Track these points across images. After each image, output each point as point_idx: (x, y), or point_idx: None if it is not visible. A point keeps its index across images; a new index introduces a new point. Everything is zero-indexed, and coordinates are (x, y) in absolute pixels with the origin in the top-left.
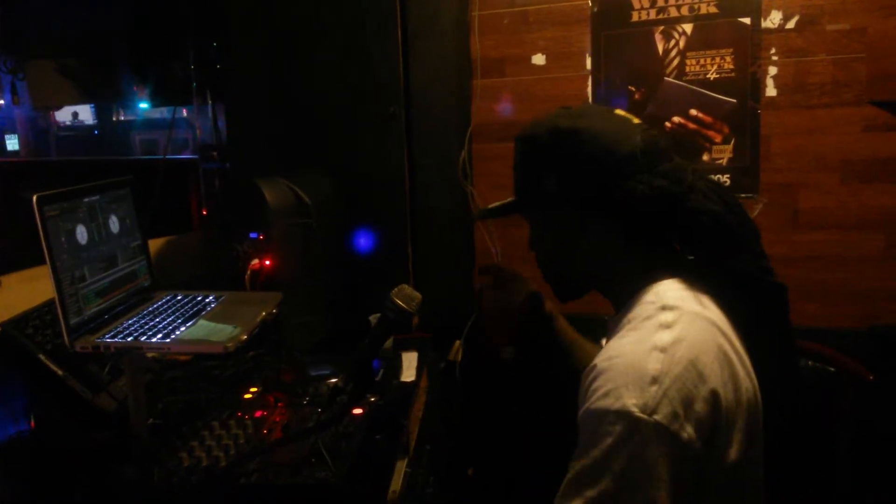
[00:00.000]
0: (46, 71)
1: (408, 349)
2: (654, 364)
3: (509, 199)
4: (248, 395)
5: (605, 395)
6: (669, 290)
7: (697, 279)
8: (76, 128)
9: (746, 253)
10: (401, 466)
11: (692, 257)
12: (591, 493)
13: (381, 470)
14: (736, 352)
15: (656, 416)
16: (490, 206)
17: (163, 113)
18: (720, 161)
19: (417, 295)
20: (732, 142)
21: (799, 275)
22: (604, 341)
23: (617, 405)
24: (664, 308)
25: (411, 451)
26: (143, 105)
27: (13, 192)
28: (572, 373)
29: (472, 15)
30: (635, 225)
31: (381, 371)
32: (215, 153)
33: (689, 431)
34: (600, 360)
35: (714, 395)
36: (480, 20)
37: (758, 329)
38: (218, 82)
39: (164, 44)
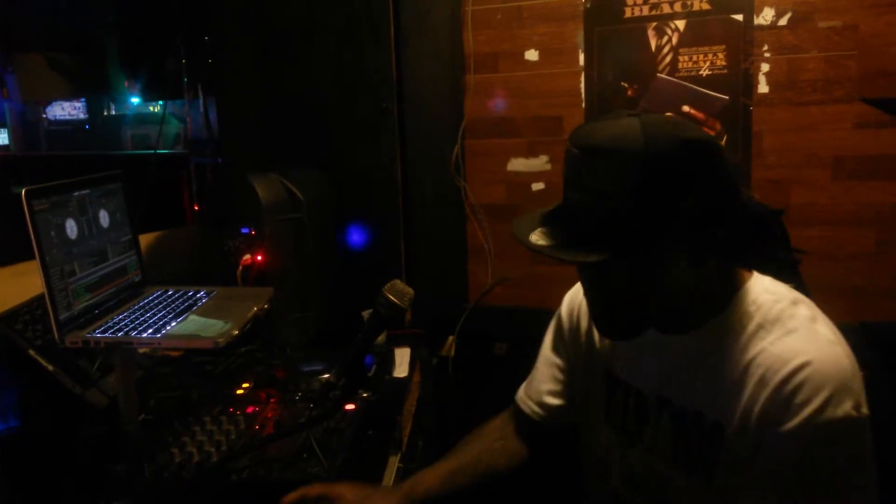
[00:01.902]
0: (36, 64)
1: (400, 345)
2: (843, 360)
3: (595, 254)
4: (239, 391)
5: (825, 404)
6: (769, 284)
7: (756, 267)
8: (67, 122)
9: (784, 242)
10: (393, 462)
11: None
12: (857, 497)
13: (373, 465)
14: None
15: (863, 410)
16: (569, 257)
17: (155, 107)
18: None
19: (409, 290)
20: (724, 138)
21: None
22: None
23: (840, 413)
24: (794, 302)
25: (404, 446)
26: (135, 100)
27: (3, 187)
28: None
29: (465, 10)
30: (741, 241)
31: (374, 366)
32: (208, 151)
33: (867, 409)
34: (788, 368)
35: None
36: (473, 15)
37: None
38: (209, 77)
39: (155, 38)
